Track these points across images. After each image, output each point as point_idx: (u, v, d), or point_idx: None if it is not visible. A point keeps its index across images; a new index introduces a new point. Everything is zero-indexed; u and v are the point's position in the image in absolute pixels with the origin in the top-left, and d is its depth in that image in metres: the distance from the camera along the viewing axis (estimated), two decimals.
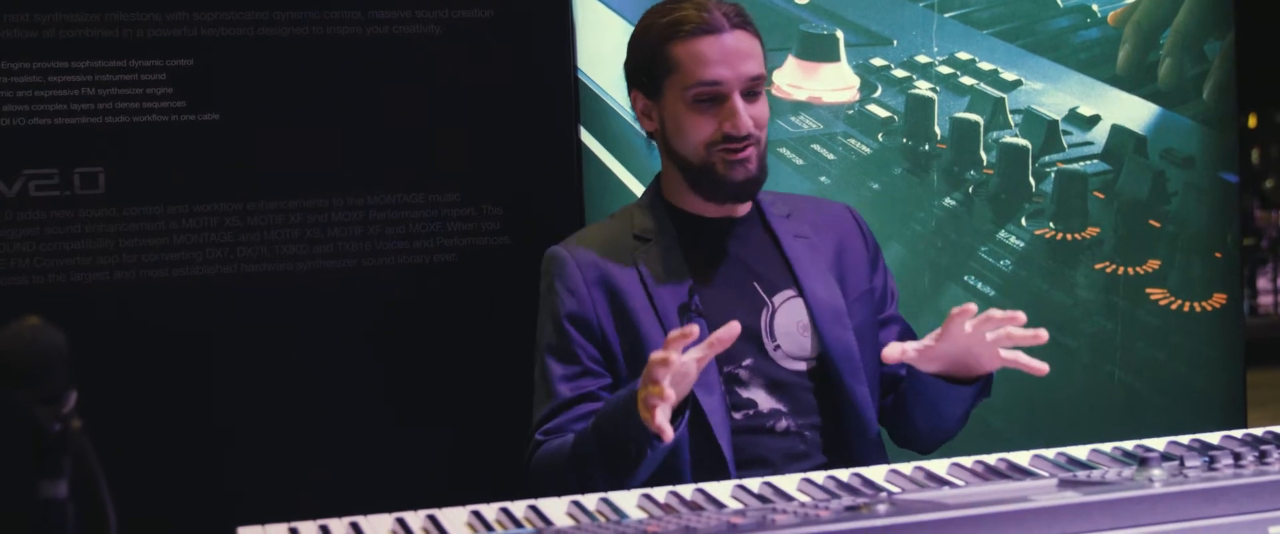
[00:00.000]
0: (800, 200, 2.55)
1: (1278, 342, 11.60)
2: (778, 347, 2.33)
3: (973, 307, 2.09)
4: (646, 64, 2.34)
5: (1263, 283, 14.47)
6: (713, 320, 2.19)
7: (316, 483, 2.95)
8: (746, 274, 2.37)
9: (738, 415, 2.30)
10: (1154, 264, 3.49)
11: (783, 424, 2.31)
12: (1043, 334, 2.10)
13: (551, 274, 2.38)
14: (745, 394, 2.31)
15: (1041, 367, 2.12)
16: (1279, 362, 9.71)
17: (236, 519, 1.65)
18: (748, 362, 2.32)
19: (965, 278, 3.34)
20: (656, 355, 1.94)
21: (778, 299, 2.36)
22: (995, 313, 2.11)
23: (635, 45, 2.37)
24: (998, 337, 2.13)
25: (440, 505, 1.72)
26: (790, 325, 2.35)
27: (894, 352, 2.16)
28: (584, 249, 2.37)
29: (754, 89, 2.30)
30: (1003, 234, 3.39)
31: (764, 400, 2.32)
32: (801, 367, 2.34)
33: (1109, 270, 3.46)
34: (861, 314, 2.40)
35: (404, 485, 2.97)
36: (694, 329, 1.95)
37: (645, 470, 2.13)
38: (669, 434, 1.94)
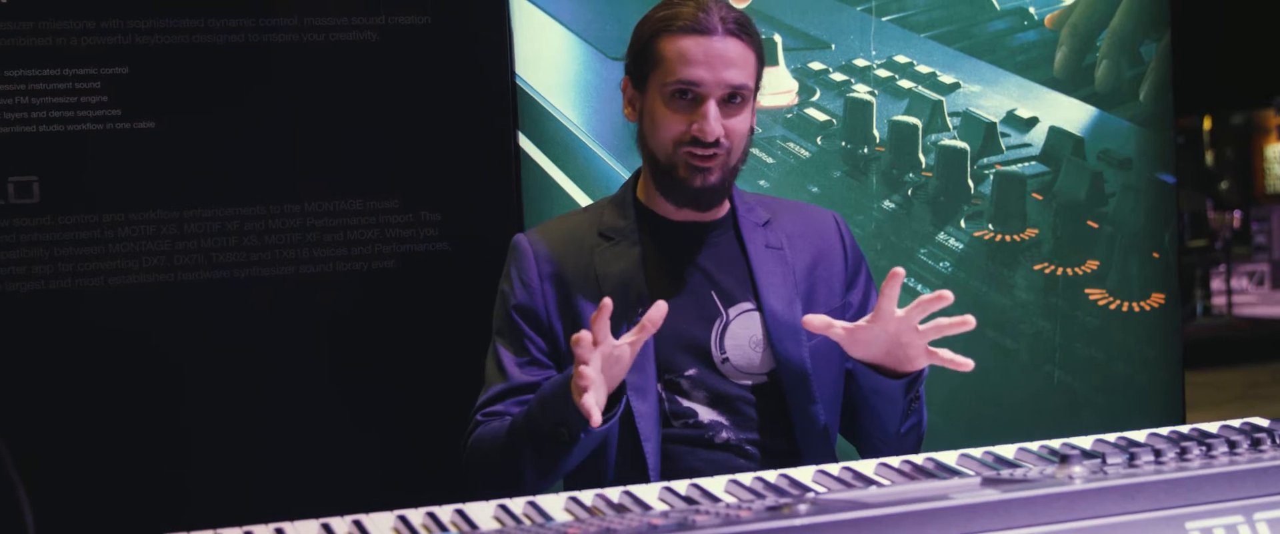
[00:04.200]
0: (784, 206, 2.51)
1: (1229, 342, 11.72)
2: (726, 359, 2.32)
3: (900, 271, 2.10)
4: (637, 55, 2.31)
5: (1217, 284, 14.57)
6: (661, 329, 2.11)
7: (256, 489, 2.94)
8: (705, 283, 2.35)
9: (676, 424, 2.29)
10: (1092, 265, 3.51)
11: (722, 436, 2.30)
12: (970, 320, 2.09)
13: (510, 261, 2.38)
14: (686, 404, 2.30)
15: (965, 363, 2.12)
16: (1233, 362, 9.82)
17: (173, 526, 1.64)
18: (691, 372, 2.31)
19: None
20: (575, 336, 1.96)
21: (733, 311, 2.34)
22: (925, 299, 2.10)
23: (634, 35, 2.33)
24: (927, 328, 2.12)
25: (380, 510, 1.72)
26: (743, 339, 2.33)
27: (818, 321, 2.15)
28: (546, 241, 2.37)
29: (734, 98, 2.25)
30: (942, 236, 3.40)
31: (705, 412, 2.30)
32: (750, 382, 2.33)
33: (1048, 271, 3.48)
34: None
35: (344, 490, 2.96)
36: (608, 302, 1.98)
37: (575, 458, 2.15)
38: (596, 418, 1.94)
